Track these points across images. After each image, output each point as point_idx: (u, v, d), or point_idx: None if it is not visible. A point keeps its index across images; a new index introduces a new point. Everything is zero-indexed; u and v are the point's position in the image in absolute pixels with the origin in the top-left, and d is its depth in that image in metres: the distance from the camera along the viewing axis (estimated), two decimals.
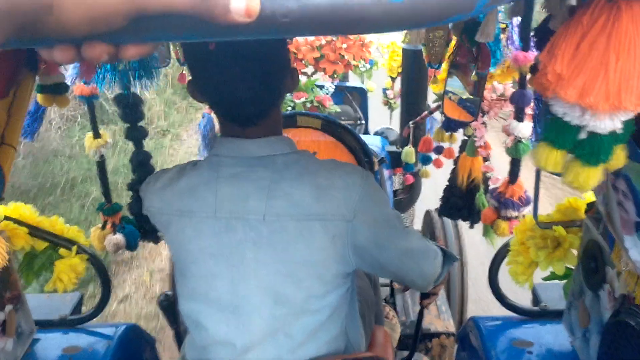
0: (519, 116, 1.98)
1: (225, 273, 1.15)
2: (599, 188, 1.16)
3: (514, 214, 1.94)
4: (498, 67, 2.13)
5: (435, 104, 2.43)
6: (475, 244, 3.43)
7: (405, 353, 2.13)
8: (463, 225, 3.07)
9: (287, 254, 1.13)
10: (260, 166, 1.13)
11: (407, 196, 2.93)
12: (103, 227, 2.08)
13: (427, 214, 3.32)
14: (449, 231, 3.02)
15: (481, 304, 3.37)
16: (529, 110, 1.96)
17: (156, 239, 2.32)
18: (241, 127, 1.15)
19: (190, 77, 1.17)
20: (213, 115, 2.95)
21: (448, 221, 3.10)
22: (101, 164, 2.07)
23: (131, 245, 2.10)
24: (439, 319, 2.58)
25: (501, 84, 2.19)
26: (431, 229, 3.12)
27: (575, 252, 1.48)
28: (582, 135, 0.71)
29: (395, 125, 3.62)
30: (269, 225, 1.12)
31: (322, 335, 1.21)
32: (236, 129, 1.15)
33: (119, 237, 2.04)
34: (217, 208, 1.13)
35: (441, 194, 2.42)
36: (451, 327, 2.56)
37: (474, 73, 2.14)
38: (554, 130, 0.73)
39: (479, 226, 2.38)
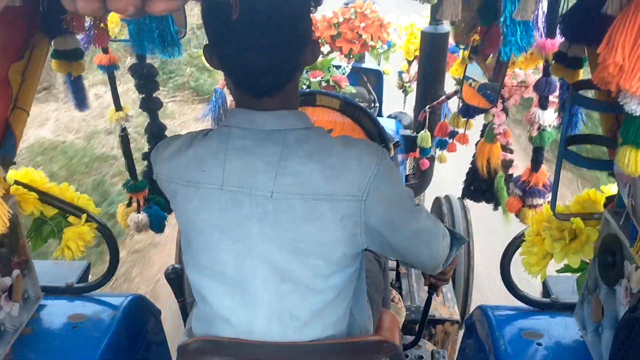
0: (543, 104, 1.94)
1: (231, 247, 1.13)
2: (626, 180, 1.13)
3: (540, 201, 1.92)
4: (521, 54, 2.09)
5: (454, 89, 2.39)
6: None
7: (410, 338, 2.11)
8: (473, 215, 3.06)
9: (293, 232, 1.11)
10: (270, 141, 1.10)
11: (418, 181, 2.90)
12: (128, 205, 2.05)
13: (437, 200, 3.29)
14: (457, 219, 3.00)
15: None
16: (552, 98, 1.92)
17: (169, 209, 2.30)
18: (256, 99, 1.12)
19: (207, 43, 1.14)
20: (225, 91, 2.92)
21: (457, 208, 3.08)
22: (124, 138, 2.03)
23: (155, 227, 2.07)
24: (444, 305, 2.56)
25: (522, 71, 2.15)
26: (440, 216, 3.09)
27: (592, 245, 1.45)
28: None
29: (408, 109, 3.58)
30: (275, 203, 1.09)
31: (328, 315, 1.19)
32: (251, 100, 1.12)
33: (141, 217, 2.00)
34: (224, 181, 1.11)
35: (454, 178, 2.41)
36: (456, 314, 2.54)
37: (490, 56, 2.10)
38: (633, 131, 0.70)
39: (489, 218, 2.37)
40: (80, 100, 1.84)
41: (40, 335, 1.59)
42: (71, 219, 1.67)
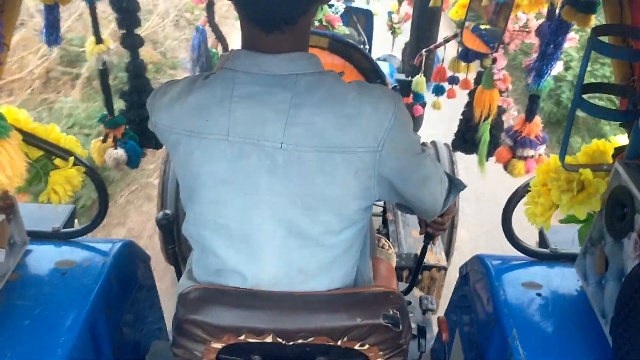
0: None
1: (237, 201, 1.08)
2: None
3: (531, 152, 1.88)
4: None
5: (454, 32, 2.31)
6: None
7: (401, 285, 2.12)
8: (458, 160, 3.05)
9: (305, 186, 1.05)
10: (279, 87, 1.03)
11: None
12: (104, 140, 1.98)
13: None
14: (444, 165, 2.99)
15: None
16: None
17: (157, 145, 2.22)
18: (265, 33, 1.03)
19: None
20: (207, 28, 2.79)
21: (444, 154, 3.06)
22: (103, 72, 1.94)
23: (132, 162, 2.02)
24: (431, 252, 2.57)
25: (525, 15, 2.08)
26: None
27: (599, 197, 1.43)
28: None
29: (397, 52, 3.48)
30: (286, 155, 1.03)
31: (336, 269, 1.16)
32: (259, 34, 1.04)
33: (119, 152, 1.94)
34: (230, 131, 1.04)
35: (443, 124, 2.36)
36: (443, 260, 2.56)
37: None
38: None
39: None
40: (53, 36, 1.77)
41: (28, 281, 1.53)
42: (57, 161, 1.57)
